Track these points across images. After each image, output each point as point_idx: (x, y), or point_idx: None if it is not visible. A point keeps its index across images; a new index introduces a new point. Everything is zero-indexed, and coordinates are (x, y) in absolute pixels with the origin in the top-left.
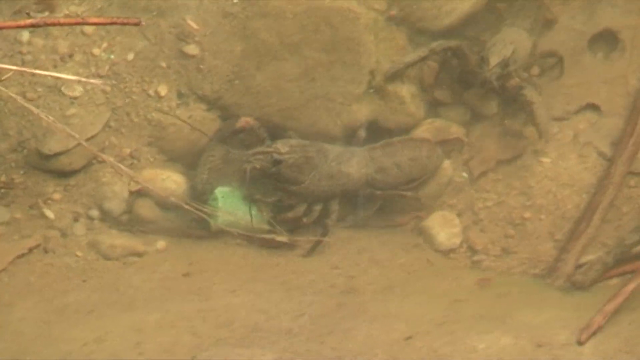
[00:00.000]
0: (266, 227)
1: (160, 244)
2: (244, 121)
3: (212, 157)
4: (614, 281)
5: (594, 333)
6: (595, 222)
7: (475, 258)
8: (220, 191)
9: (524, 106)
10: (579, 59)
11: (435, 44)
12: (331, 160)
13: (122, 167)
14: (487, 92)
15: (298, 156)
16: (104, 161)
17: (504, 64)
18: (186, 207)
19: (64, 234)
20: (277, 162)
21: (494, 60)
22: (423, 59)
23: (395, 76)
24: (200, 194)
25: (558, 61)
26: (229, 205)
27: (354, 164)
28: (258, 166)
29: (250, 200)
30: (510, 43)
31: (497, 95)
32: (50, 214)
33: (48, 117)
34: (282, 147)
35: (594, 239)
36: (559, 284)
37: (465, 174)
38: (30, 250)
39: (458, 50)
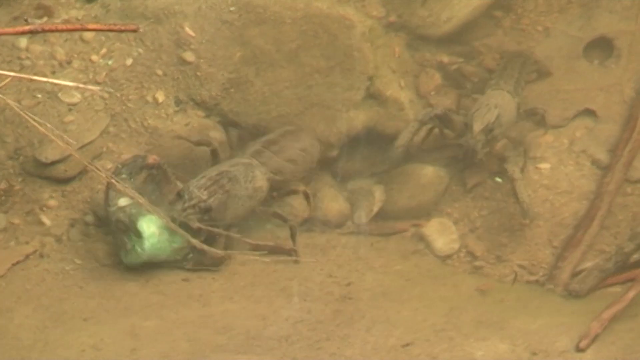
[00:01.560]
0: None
1: None
2: (152, 159)
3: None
4: (612, 289)
5: (593, 340)
6: (593, 229)
7: (476, 264)
8: (144, 220)
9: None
10: (575, 65)
11: (423, 114)
12: (243, 182)
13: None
14: (473, 162)
15: (220, 194)
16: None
17: (488, 129)
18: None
19: (59, 240)
20: (207, 210)
21: (477, 126)
22: (415, 133)
23: (398, 161)
24: (118, 223)
25: (541, 118)
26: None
27: (260, 176)
28: (195, 225)
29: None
30: (494, 106)
31: (483, 164)
32: (46, 220)
33: (45, 125)
34: (201, 193)
35: (591, 246)
36: (556, 291)
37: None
38: (27, 256)
39: (444, 116)
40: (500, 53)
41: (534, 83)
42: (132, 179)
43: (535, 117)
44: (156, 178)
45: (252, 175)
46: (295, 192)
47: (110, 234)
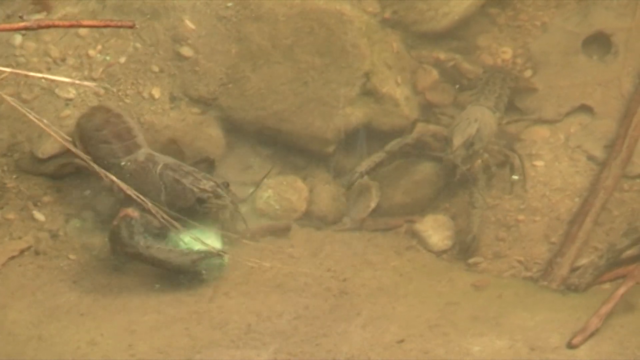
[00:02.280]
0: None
1: None
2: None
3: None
4: (607, 285)
5: (590, 336)
6: (587, 225)
7: (471, 261)
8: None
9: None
10: (572, 61)
11: (392, 145)
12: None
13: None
14: (455, 178)
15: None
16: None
17: (469, 143)
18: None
19: (55, 236)
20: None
21: (457, 140)
22: (379, 164)
23: (353, 185)
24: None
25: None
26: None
27: None
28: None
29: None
30: (474, 120)
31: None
32: (40, 216)
33: (41, 120)
34: (206, 183)
35: (586, 242)
36: (553, 286)
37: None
38: (22, 252)
39: (417, 142)
40: (483, 68)
41: (529, 78)
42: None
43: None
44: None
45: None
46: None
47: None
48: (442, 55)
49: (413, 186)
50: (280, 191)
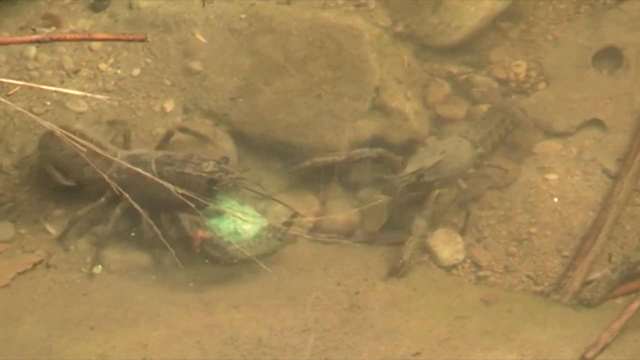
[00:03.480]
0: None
1: (166, 258)
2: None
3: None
4: (620, 300)
5: (602, 350)
6: (601, 239)
7: (481, 274)
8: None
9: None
10: (583, 74)
11: (355, 152)
12: None
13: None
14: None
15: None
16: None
17: (419, 174)
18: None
19: (66, 249)
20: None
21: (410, 167)
22: (336, 163)
23: (304, 170)
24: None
25: (504, 172)
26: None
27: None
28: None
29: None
30: (440, 153)
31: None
32: (52, 229)
33: (60, 131)
34: (208, 164)
35: (599, 256)
36: (565, 301)
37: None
38: (34, 265)
39: (381, 157)
40: (490, 104)
41: (541, 92)
42: None
43: (499, 172)
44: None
45: None
46: None
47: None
48: (455, 69)
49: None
50: (291, 205)
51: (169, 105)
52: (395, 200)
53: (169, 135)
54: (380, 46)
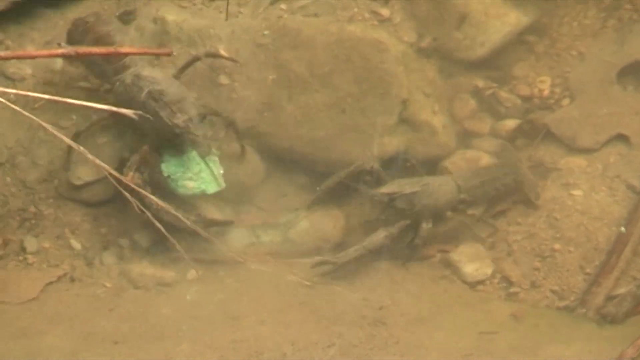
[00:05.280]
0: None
1: (191, 273)
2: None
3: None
4: None
5: None
6: (626, 255)
7: (511, 290)
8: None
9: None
10: (608, 90)
11: (353, 167)
12: None
13: (151, 196)
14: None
15: None
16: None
17: (392, 197)
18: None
19: (91, 263)
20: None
21: (386, 188)
22: (339, 181)
23: (316, 202)
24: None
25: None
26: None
27: None
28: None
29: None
30: (422, 185)
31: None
32: (76, 244)
33: (79, 147)
34: (180, 117)
35: (625, 272)
36: (590, 316)
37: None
38: (59, 278)
39: (372, 171)
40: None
41: (566, 108)
42: None
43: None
44: None
45: None
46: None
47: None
48: (480, 83)
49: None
50: (315, 220)
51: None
52: (362, 214)
53: (194, 59)
54: (406, 60)
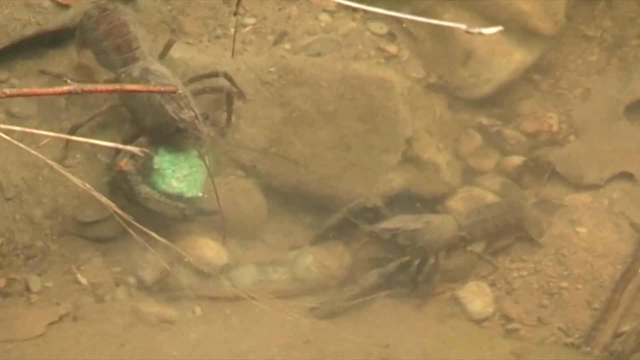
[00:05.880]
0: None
1: (197, 310)
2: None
3: None
4: None
5: None
6: (630, 292)
7: (510, 327)
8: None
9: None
10: (614, 126)
11: (354, 204)
12: None
13: (156, 236)
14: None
15: None
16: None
17: (394, 233)
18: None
19: (98, 301)
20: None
21: (386, 223)
22: (342, 220)
23: (319, 240)
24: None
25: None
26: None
27: None
28: None
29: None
30: (425, 222)
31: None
32: (83, 280)
33: (85, 185)
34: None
35: (629, 310)
36: (596, 353)
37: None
38: (61, 318)
39: (373, 208)
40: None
41: (572, 144)
42: None
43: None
44: None
45: None
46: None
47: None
48: (485, 121)
49: (455, 253)
50: (321, 257)
51: None
52: (360, 251)
53: (211, 74)
54: (412, 98)
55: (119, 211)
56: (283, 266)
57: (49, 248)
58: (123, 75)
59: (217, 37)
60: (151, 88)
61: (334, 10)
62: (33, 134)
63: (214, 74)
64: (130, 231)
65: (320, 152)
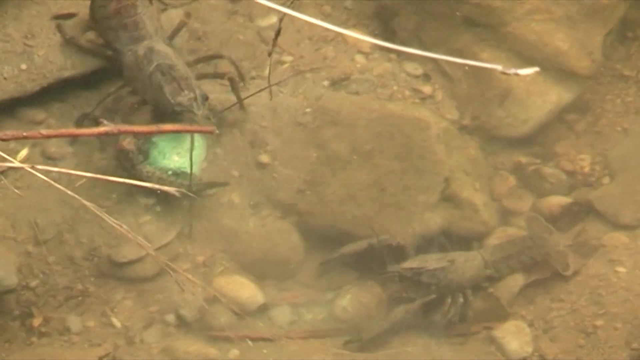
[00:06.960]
0: None
1: (233, 352)
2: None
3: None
4: None
5: None
6: None
7: None
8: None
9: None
10: None
11: (375, 240)
12: None
13: (190, 277)
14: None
15: None
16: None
17: (418, 271)
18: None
19: (133, 342)
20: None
21: (409, 263)
22: (357, 252)
23: (329, 264)
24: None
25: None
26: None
27: None
28: None
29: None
30: (448, 260)
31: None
32: (118, 322)
33: (121, 226)
34: (185, 94)
35: None
36: None
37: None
38: (101, 359)
39: (398, 247)
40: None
41: (607, 185)
42: None
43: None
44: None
45: None
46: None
47: None
48: (523, 160)
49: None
50: (358, 297)
51: (237, 197)
52: (385, 291)
53: (180, 26)
54: (447, 138)
55: (153, 252)
56: (319, 306)
57: (88, 289)
58: (129, 54)
59: (252, 78)
60: (188, 128)
61: (368, 52)
62: (70, 174)
63: (219, 56)
64: (170, 271)
65: (356, 192)
